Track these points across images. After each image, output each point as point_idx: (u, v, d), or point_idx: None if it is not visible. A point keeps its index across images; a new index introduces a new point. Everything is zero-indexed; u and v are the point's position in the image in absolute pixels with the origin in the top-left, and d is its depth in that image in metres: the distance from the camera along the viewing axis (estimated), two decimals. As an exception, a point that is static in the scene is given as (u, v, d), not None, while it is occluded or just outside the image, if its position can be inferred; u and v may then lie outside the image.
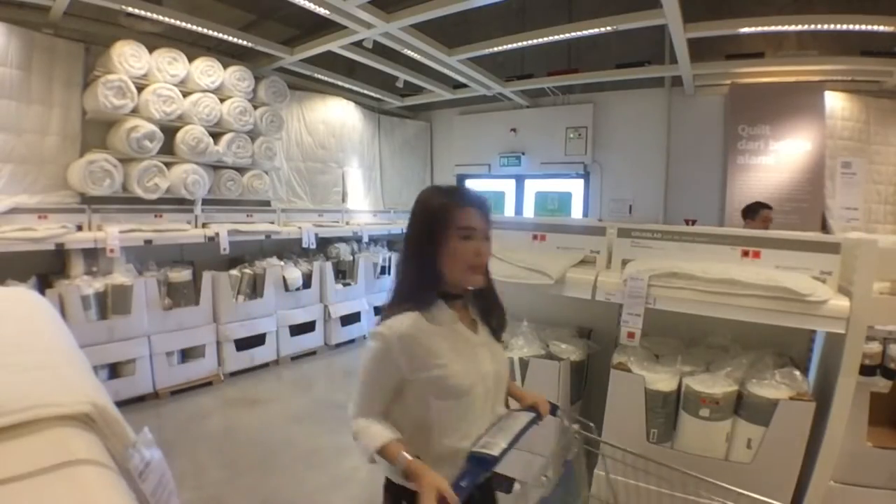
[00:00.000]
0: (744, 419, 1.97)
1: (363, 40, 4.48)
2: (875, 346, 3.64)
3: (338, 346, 5.72)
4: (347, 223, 6.25)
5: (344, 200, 6.50)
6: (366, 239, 6.37)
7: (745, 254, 2.19)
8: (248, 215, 5.20)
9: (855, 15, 3.96)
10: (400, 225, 6.94)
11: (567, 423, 1.64)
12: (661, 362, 2.22)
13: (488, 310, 1.48)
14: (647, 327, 2.12)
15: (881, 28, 3.91)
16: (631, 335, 2.13)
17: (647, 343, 2.33)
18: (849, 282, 1.89)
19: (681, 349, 2.33)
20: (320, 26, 4.72)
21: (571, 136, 6.30)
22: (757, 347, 2.22)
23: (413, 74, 5.76)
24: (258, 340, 4.93)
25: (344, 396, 4.37)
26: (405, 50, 4.72)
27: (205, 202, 4.87)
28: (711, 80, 5.33)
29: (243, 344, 4.80)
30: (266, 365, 5.02)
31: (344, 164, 6.50)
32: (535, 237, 2.75)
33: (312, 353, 5.48)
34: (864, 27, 3.95)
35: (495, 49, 4.79)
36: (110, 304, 3.98)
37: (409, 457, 1.20)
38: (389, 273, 6.42)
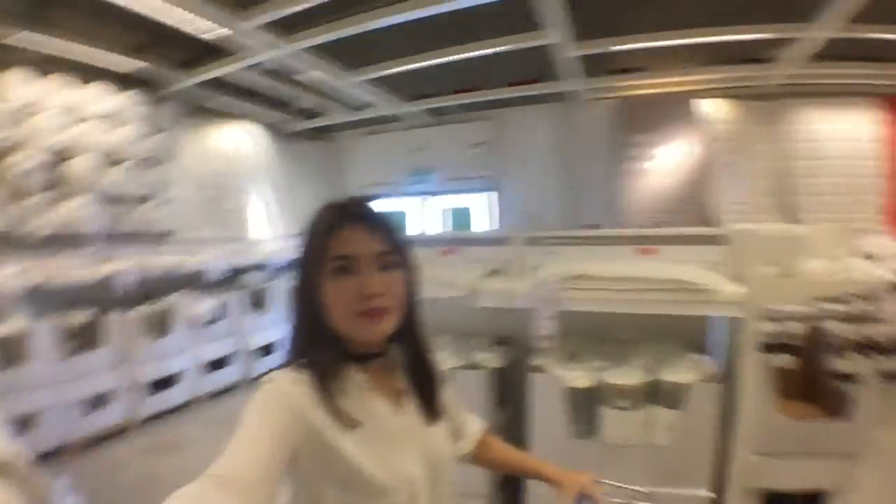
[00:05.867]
0: (659, 405, 2.07)
1: (260, 63, 4.39)
2: (776, 326, 4.03)
3: (258, 378, 5.45)
4: (255, 251, 6.01)
5: (250, 228, 6.25)
6: (276, 266, 6.15)
7: (644, 252, 2.33)
8: (149, 248, 4.85)
9: (726, 27, 4.32)
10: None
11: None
12: (576, 360, 2.29)
13: (416, 372, 1.08)
14: (561, 328, 2.18)
15: (752, 36, 4.29)
16: (545, 338, 2.19)
17: (563, 343, 2.39)
18: (740, 269, 2.04)
19: (594, 346, 2.42)
20: (217, 50, 4.57)
21: (476, 151, 6.51)
22: (664, 337, 2.35)
23: (315, 96, 5.70)
24: (172, 381, 4.60)
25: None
26: (301, 74, 4.68)
27: (102, 238, 4.52)
28: (600, 93, 5.69)
29: (156, 386, 4.46)
30: (183, 406, 4.69)
31: (248, 191, 6.27)
32: (444, 252, 2.78)
33: (231, 388, 5.20)
34: (734, 37, 4.33)
35: (394, 70, 4.85)
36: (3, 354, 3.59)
37: None
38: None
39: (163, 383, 4.55)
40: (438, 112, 6.58)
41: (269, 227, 6.55)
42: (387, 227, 0.98)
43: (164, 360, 4.56)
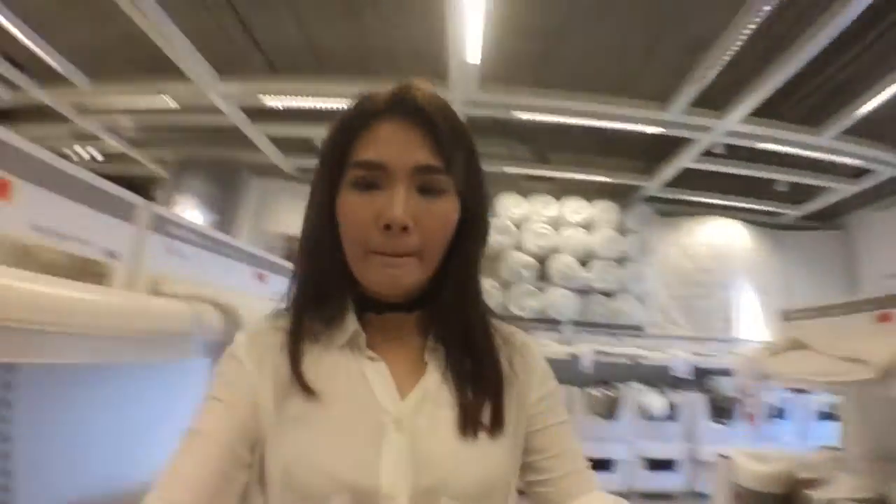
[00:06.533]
0: None
1: (712, 147, 4.22)
2: None
3: (704, 495, 4.69)
4: (728, 353, 5.39)
5: (730, 328, 5.73)
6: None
7: None
8: (615, 338, 5.24)
9: None
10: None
11: None
12: None
13: (459, 354, 0.69)
14: None
15: None
16: None
17: None
18: None
19: None
20: (672, 146, 4.67)
21: None
22: None
23: (788, 172, 4.91)
24: (606, 466, 4.64)
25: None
26: (758, 144, 4.16)
27: (572, 323, 5.26)
28: None
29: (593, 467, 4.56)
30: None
31: (730, 289, 5.84)
32: (881, 318, 1.92)
33: (668, 496, 4.69)
34: None
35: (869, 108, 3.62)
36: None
37: None
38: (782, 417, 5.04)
39: (598, 466, 4.59)
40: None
41: (757, 329, 5.83)
42: (442, 131, 0.64)
43: (603, 443, 4.66)
